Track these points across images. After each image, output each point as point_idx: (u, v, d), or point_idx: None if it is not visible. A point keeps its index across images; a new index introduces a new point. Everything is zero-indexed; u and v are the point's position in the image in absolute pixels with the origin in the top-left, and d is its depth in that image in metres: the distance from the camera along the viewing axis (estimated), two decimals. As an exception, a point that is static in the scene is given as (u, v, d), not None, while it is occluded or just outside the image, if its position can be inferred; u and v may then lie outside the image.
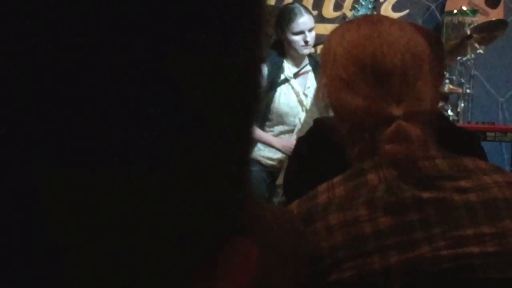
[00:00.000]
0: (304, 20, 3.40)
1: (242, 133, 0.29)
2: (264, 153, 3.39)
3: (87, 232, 0.23)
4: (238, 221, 0.29)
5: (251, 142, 0.30)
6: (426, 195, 1.09)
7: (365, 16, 2.15)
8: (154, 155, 0.24)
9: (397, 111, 1.11)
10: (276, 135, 3.45)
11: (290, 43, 3.40)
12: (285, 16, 3.39)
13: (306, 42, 3.38)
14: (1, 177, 0.22)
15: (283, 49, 3.45)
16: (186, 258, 0.26)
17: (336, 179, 1.14)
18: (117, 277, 0.24)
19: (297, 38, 3.38)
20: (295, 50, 3.41)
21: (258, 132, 3.31)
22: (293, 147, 3.15)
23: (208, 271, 0.27)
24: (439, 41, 2.16)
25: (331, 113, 1.24)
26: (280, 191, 3.18)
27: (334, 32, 1.23)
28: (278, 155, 3.39)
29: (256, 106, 0.29)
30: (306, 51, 3.42)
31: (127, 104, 0.23)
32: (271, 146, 3.37)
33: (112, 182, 0.23)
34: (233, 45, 0.27)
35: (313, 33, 3.42)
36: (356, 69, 1.13)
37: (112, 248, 0.23)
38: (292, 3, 3.90)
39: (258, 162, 3.35)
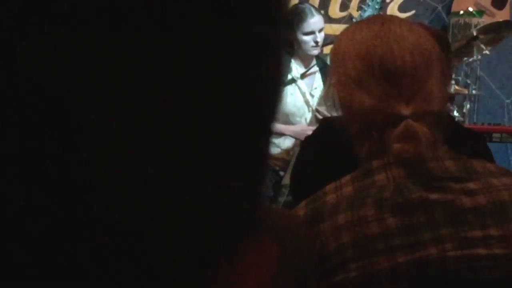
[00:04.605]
0: (315, 20, 3.39)
1: (264, 132, 0.29)
2: None
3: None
4: (257, 216, 0.29)
5: (270, 140, 0.30)
6: (434, 196, 1.09)
7: (375, 16, 2.15)
8: (187, 157, 0.25)
9: (406, 110, 1.11)
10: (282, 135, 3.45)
11: (300, 43, 3.38)
12: (296, 16, 3.38)
13: (316, 43, 3.37)
14: None
15: (292, 49, 3.44)
16: (208, 248, 0.26)
17: (344, 179, 1.14)
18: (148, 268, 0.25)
19: (308, 38, 3.37)
20: (304, 50, 3.40)
21: None
22: (304, 131, 3.16)
23: (230, 262, 0.27)
24: (447, 41, 2.16)
25: (336, 113, 1.24)
26: (285, 191, 3.17)
27: (344, 31, 1.23)
28: (282, 154, 3.38)
29: (276, 106, 0.30)
30: (315, 51, 3.42)
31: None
32: (282, 134, 3.34)
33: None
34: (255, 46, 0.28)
35: (322, 34, 3.41)
36: (366, 68, 1.13)
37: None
38: (301, 3, 3.89)
39: None
